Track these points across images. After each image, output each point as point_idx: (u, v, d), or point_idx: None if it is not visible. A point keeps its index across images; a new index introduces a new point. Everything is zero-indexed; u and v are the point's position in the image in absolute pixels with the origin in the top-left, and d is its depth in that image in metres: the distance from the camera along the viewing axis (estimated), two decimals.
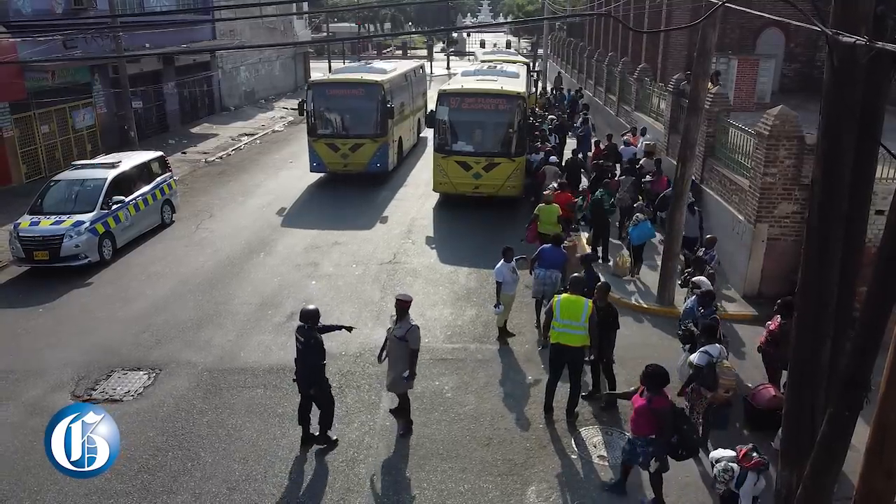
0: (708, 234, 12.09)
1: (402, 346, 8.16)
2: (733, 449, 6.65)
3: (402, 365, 8.21)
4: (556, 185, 14.98)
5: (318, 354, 8.09)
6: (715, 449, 7.80)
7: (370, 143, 19.74)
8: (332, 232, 16.35)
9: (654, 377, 7.02)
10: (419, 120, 26.06)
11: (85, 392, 9.63)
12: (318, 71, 48.57)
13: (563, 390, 9.07)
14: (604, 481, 7.80)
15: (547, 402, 9.04)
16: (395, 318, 8.30)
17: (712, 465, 6.59)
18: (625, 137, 20.02)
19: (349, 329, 9.03)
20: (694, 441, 7.17)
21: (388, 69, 22.41)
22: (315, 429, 8.43)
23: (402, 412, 8.61)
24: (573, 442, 8.49)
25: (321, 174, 20.92)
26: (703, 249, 11.27)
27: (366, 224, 17.01)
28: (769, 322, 9.04)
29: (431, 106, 20.15)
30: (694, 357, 8.00)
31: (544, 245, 11.34)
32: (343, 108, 20.05)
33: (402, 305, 8.22)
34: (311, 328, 8.07)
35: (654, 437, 7.00)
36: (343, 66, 26.01)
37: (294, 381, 8.32)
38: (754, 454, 6.29)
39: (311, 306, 8.27)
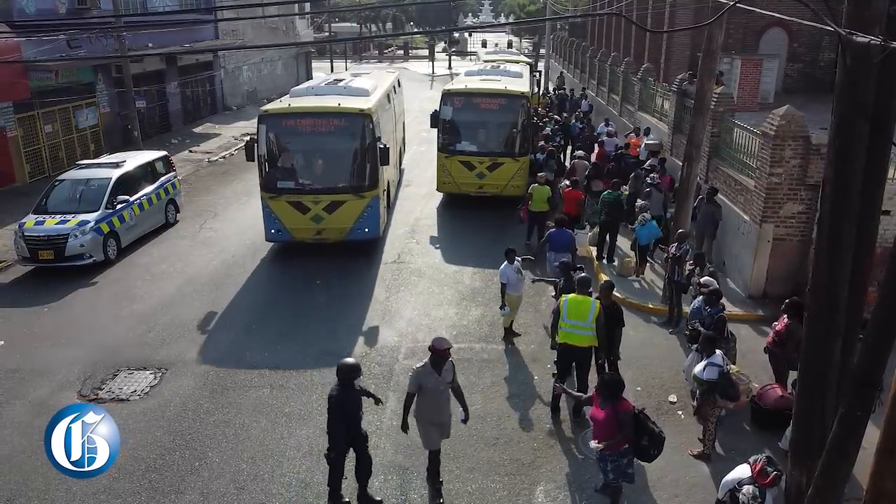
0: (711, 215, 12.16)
1: (448, 388, 7.31)
2: (745, 462, 6.27)
3: (449, 408, 7.37)
4: (567, 182, 15.09)
5: (359, 410, 7.07)
6: (718, 448, 7.81)
7: (354, 199, 13.76)
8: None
9: (614, 385, 6.83)
10: (400, 151, 21.54)
11: (91, 391, 9.63)
12: (321, 71, 48.75)
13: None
14: (595, 486, 7.51)
15: (554, 403, 9.04)
16: (423, 369, 7.14)
17: (731, 491, 6.16)
18: (607, 129, 20.85)
19: (378, 401, 7.53)
20: (662, 439, 6.87)
21: (369, 87, 15.97)
22: (347, 491, 7.42)
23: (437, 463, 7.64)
24: (580, 441, 8.48)
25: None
26: (676, 244, 11.19)
27: None
28: (776, 322, 9.03)
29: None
30: (700, 371, 7.79)
31: (552, 229, 11.99)
32: (313, 151, 14.20)
33: (445, 355, 7.11)
34: (349, 387, 6.89)
35: (627, 446, 6.75)
36: (305, 86, 16.91)
37: (326, 455, 7.09)
38: (769, 469, 5.98)
39: (352, 359, 7.20)
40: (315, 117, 13.96)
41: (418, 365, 7.30)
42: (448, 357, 7.16)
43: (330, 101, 14.44)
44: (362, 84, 16.18)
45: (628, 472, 6.94)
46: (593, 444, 6.78)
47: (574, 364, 8.84)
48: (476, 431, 8.68)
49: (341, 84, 16.19)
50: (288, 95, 15.95)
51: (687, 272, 10.74)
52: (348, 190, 13.89)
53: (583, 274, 9.45)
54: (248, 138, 14.37)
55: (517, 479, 7.80)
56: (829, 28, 4.69)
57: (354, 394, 6.98)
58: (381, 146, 13.99)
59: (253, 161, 13.82)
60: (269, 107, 14.44)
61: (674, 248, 11.14)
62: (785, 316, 8.73)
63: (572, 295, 8.76)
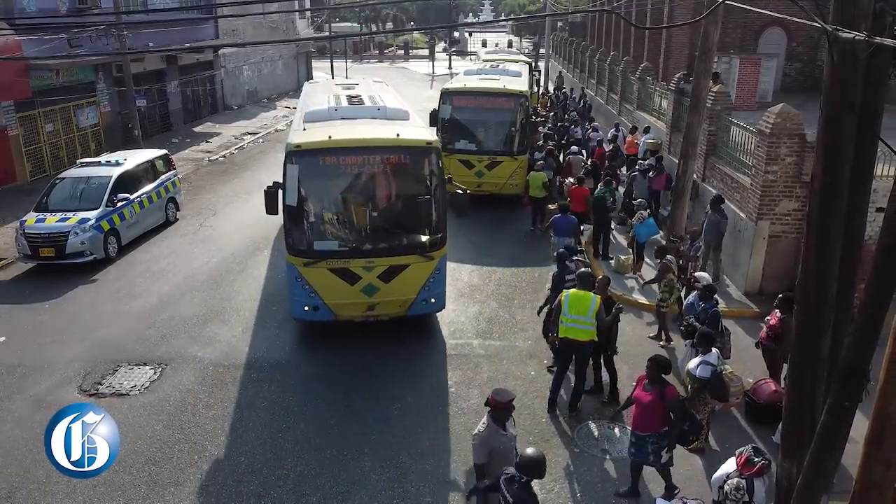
0: (696, 225, 12.34)
1: (515, 444, 6.38)
2: (732, 455, 6.33)
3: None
4: (570, 180, 15.28)
5: None
6: (712, 442, 7.89)
7: (420, 262, 10.36)
8: None
9: (663, 365, 7.04)
10: None
11: (91, 387, 9.72)
12: (321, 71, 48.79)
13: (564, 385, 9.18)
14: (617, 489, 7.59)
15: (552, 397, 9.12)
16: (487, 431, 6.16)
17: (720, 488, 6.19)
18: (593, 124, 21.80)
19: None
20: (700, 424, 7.30)
21: (399, 104, 12.88)
22: None
23: None
24: (576, 436, 8.57)
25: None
26: (690, 242, 11.42)
27: None
28: (768, 317, 9.11)
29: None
30: (694, 368, 7.90)
31: (556, 216, 12.67)
32: (364, 199, 10.66)
33: (509, 408, 6.21)
34: (526, 487, 5.48)
35: (666, 429, 6.96)
36: (325, 107, 12.19)
37: None
38: (755, 459, 6.01)
39: (534, 450, 5.60)
40: (369, 153, 10.33)
41: (480, 428, 6.20)
42: (512, 409, 6.26)
43: (384, 131, 10.74)
44: (394, 102, 12.82)
45: (663, 453, 7.11)
46: (665, 454, 7.12)
47: (573, 359, 8.91)
48: (473, 426, 8.74)
49: (370, 104, 12.27)
50: (300, 119, 12.04)
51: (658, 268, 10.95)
52: (413, 249, 10.40)
53: (584, 269, 9.55)
54: (269, 184, 10.42)
55: None
56: (818, 25, 4.77)
57: (532, 498, 5.56)
58: (460, 191, 10.85)
59: (275, 214, 10.36)
60: (301, 140, 10.16)
61: (686, 246, 11.34)
62: (777, 311, 8.82)
63: (573, 290, 8.85)
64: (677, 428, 6.98)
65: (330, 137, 10.30)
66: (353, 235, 10.54)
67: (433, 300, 10.73)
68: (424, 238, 10.56)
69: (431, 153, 10.38)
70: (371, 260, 10.21)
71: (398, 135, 10.38)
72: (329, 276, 10.13)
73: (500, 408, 6.13)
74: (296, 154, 9.94)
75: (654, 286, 12.29)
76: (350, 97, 12.92)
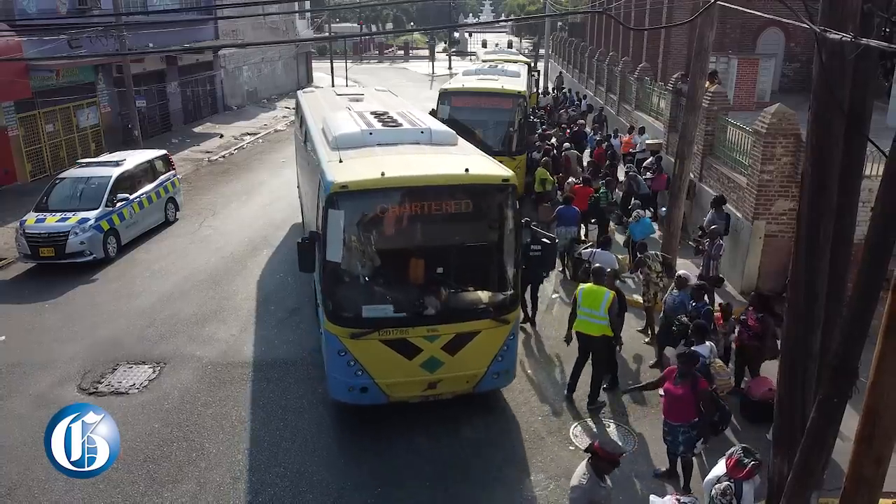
0: (712, 224, 12.39)
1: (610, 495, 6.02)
2: (722, 455, 6.29)
3: None
4: (572, 179, 15.54)
5: None
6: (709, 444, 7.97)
7: (492, 328, 8.43)
8: None
9: (691, 359, 7.34)
10: None
11: (91, 385, 9.78)
12: (321, 71, 48.82)
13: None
14: (656, 471, 7.87)
15: (571, 383, 9.31)
16: (589, 483, 5.70)
17: (708, 494, 6.19)
18: (579, 122, 22.58)
19: None
20: (729, 413, 7.61)
21: (442, 127, 10.56)
22: None
23: None
24: (571, 434, 8.62)
25: None
26: (708, 241, 11.52)
27: None
28: (743, 317, 9.12)
29: None
30: None
31: (560, 206, 13.26)
32: (423, 252, 8.60)
33: (617, 463, 5.85)
34: None
35: (697, 420, 7.24)
36: (356, 130, 9.70)
37: None
38: (746, 460, 5.91)
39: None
40: (434, 195, 8.23)
41: (582, 480, 5.68)
42: (617, 465, 5.86)
43: (446, 164, 8.81)
44: (437, 123, 11.06)
45: (697, 444, 7.40)
46: (699, 444, 7.42)
47: (590, 353, 9.10)
48: (467, 423, 8.81)
49: (409, 126, 10.19)
50: (324, 145, 9.73)
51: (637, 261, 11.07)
52: (485, 312, 8.47)
53: (597, 265, 9.67)
54: (304, 237, 8.55)
55: (507, 471, 7.93)
56: (806, 25, 4.82)
57: None
58: (546, 240, 8.95)
59: (310, 271, 8.65)
60: (346, 178, 7.94)
61: (706, 244, 11.45)
62: (751, 309, 8.89)
63: (588, 284, 9.11)
64: (708, 419, 7.32)
65: (383, 174, 7.99)
66: (411, 298, 8.32)
67: (506, 372, 8.76)
68: (498, 297, 8.59)
69: (508, 191, 8.34)
70: (434, 328, 8.17)
71: (467, 170, 8.26)
72: (382, 349, 8.09)
73: (608, 461, 5.75)
74: (341, 197, 7.77)
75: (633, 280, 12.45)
76: (377, 114, 10.96)
